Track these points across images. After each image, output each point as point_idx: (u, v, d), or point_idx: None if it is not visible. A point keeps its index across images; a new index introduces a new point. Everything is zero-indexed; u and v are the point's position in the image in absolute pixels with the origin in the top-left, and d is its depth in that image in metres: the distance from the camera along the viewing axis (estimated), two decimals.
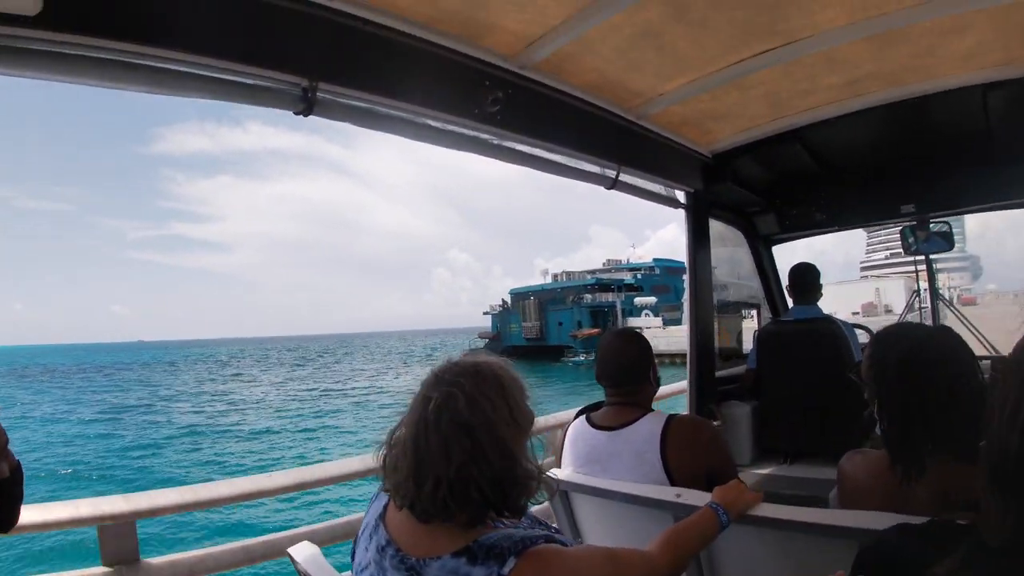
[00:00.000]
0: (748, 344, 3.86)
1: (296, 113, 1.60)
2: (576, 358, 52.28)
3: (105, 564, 2.54)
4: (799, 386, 3.12)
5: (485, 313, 70.56)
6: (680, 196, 3.06)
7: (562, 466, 2.04)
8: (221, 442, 22.67)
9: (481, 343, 68.32)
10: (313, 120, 1.69)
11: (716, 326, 3.49)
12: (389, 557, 1.14)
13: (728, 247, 3.78)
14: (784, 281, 3.61)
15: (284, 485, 3.01)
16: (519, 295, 66.79)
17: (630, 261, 78.45)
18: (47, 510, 2.44)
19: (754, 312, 4.03)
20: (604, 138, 2.42)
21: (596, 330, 54.21)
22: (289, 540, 2.86)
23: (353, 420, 26.06)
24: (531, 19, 1.80)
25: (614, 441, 1.90)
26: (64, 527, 2.50)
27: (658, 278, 70.30)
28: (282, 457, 19.10)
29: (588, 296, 61.37)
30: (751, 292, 4.05)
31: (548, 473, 1.90)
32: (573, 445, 2.02)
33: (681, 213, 3.08)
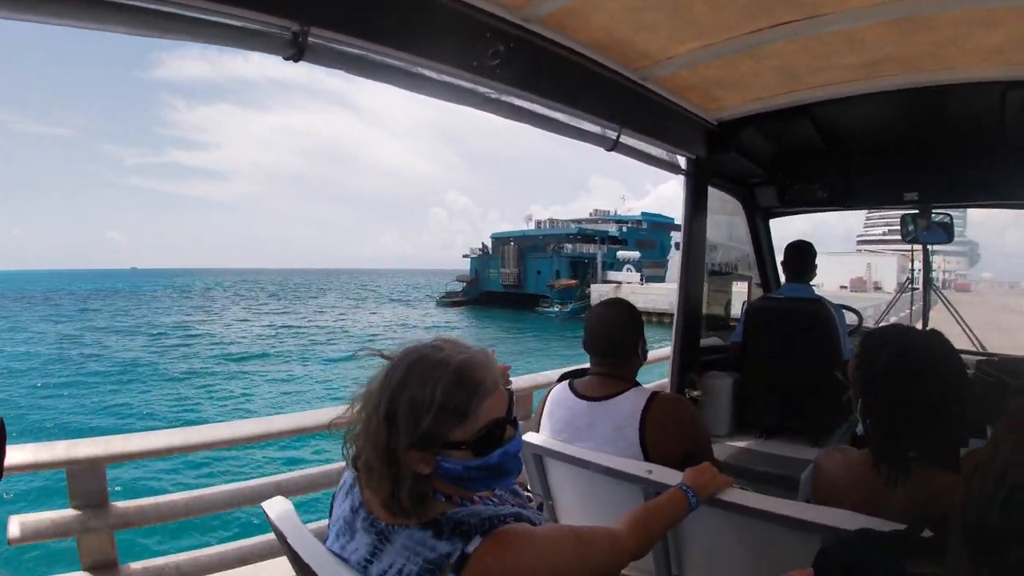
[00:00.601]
0: (736, 313, 3.94)
1: (286, 58, 1.55)
2: (550, 309, 52.13)
3: (73, 507, 2.60)
4: (782, 364, 3.18)
5: (465, 256, 69.59)
6: (681, 162, 3.04)
7: (539, 430, 2.08)
8: (146, 383, 22.52)
9: (459, 286, 68.57)
10: None
11: (705, 293, 3.54)
12: (361, 519, 1.18)
13: (725, 215, 3.80)
14: (779, 256, 3.65)
15: (283, 429, 3.15)
16: (500, 240, 66.27)
17: (618, 213, 77.40)
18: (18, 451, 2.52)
19: (745, 282, 4.08)
20: (607, 98, 2.38)
21: (574, 281, 54.25)
22: (263, 488, 2.95)
23: (298, 367, 25.53)
24: None
25: (595, 411, 1.94)
26: (33, 470, 2.56)
27: (645, 233, 69.66)
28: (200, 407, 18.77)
29: (569, 246, 60.92)
30: (743, 257, 4.09)
31: (524, 437, 1.99)
32: (552, 411, 2.05)
33: (681, 176, 3.06)
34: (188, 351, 31.42)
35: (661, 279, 58.56)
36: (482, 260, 65.92)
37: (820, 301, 3.20)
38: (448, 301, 65.54)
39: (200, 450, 3.04)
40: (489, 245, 66.85)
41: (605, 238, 64.61)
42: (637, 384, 1.99)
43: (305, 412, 3.36)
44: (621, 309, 2.05)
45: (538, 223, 75.61)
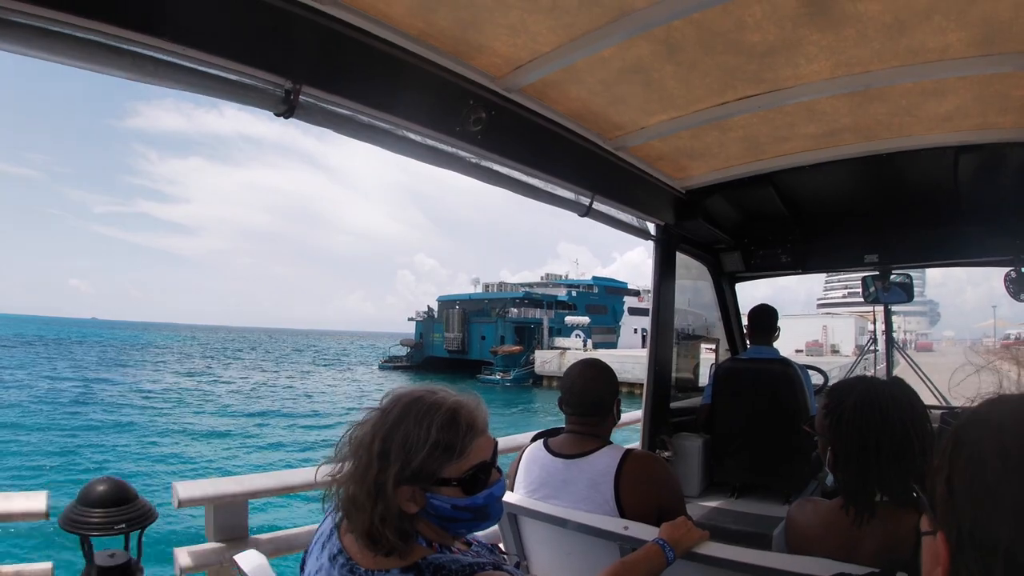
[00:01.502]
0: (704, 377, 4.06)
1: (277, 115, 1.64)
2: (491, 376, 50.36)
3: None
4: (752, 423, 3.30)
5: (410, 319, 67.67)
6: (651, 228, 3.21)
7: (514, 489, 2.12)
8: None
9: (403, 351, 66.96)
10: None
11: (675, 358, 3.66)
12: (339, 566, 1.19)
13: (691, 279, 3.97)
14: (744, 320, 3.82)
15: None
16: (446, 303, 65.40)
17: (568, 277, 77.19)
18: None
19: (713, 345, 4.24)
20: (581, 166, 2.53)
21: (518, 347, 53.40)
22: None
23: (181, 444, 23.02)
24: (522, 44, 1.89)
25: (570, 469, 2.00)
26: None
27: (596, 297, 69.56)
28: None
29: (515, 310, 60.19)
30: (711, 323, 4.25)
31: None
32: (527, 469, 2.10)
33: (650, 243, 3.23)
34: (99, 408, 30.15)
35: (613, 345, 58.77)
36: (427, 323, 64.49)
37: (786, 361, 3.36)
38: (390, 366, 64.13)
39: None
40: (436, 308, 65.58)
41: (553, 303, 64.34)
42: (611, 443, 2.06)
43: None
44: (598, 368, 2.13)
45: (486, 286, 74.70)
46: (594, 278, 73.94)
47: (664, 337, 3.37)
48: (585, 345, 52.95)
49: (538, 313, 60.33)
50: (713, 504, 3.35)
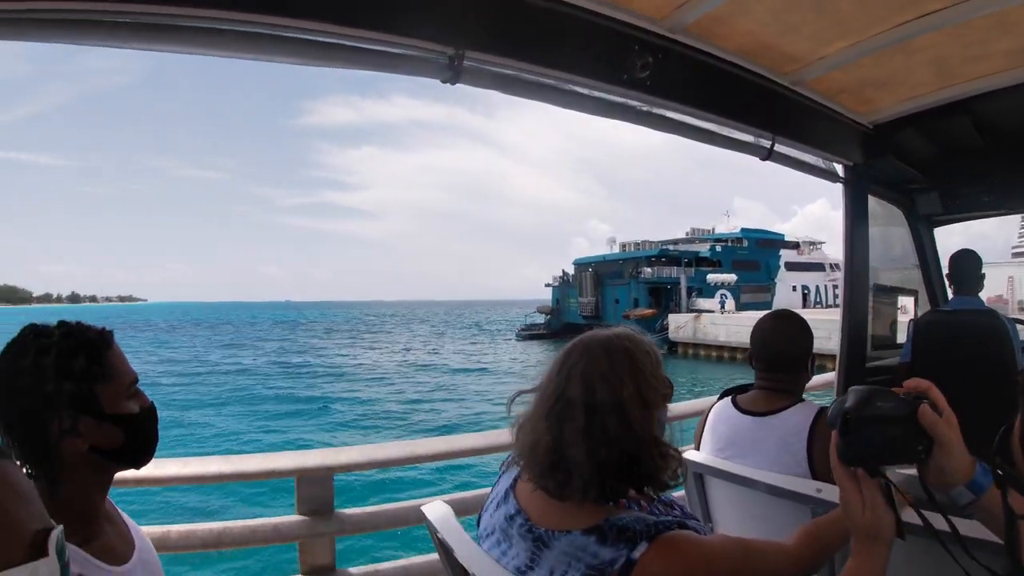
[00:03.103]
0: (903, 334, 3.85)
1: (443, 81, 1.74)
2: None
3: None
4: (955, 382, 3.06)
5: (547, 285, 67.50)
6: (838, 169, 3.09)
7: (700, 448, 2.15)
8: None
9: (540, 318, 67.25)
10: (454, 91, 1.88)
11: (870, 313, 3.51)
12: (517, 526, 1.26)
13: (880, 226, 3.75)
14: (944, 268, 3.61)
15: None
16: (581, 266, 64.26)
17: (715, 231, 72.78)
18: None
19: (911, 297, 4.01)
20: (758, 106, 2.47)
21: (650, 311, 51.38)
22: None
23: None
24: None
25: (759, 427, 2.00)
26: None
27: (744, 252, 64.65)
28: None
29: (648, 270, 57.91)
30: (906, 277, 4.02)
31: (685, 455, 2.06)
32: (714, 427, 2.13)
33: (832, 188, 3.09)
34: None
35: (767, 305, 54.17)
36: (563, 288, 64.02)
37: (993, 313, 3.17)
38: (527, 334, 64.52)
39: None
40: (572, 271, 64.62)
41: (692, 259, 61.76)
42: (803, 400, 2.04)
43: None
44: (792, 321, 2.12)
45: (623, 246, 73.00)
46: (743, 230, 68.69)
47: (859, 289, 3.24)
48: (723, 307, 49.91)
49: (674, 271, 57.86)
50: (908, 470, 3.18)
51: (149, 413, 1.28)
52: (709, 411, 2.21)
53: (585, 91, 2.02)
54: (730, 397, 2.16)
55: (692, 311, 48.70)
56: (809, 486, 1.76)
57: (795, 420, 1.94)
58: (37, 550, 0.55)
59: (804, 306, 58.16)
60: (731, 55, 2.29)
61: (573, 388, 1.21)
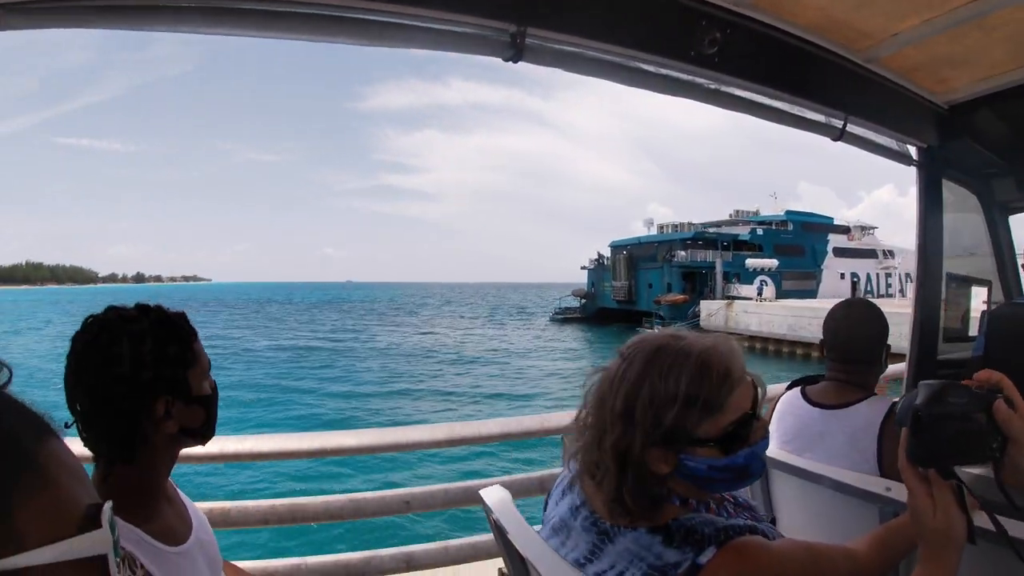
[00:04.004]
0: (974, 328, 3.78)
1: (505, 60, 1.75)
2: (650, 329, 47.20)
3: None
4: None
5: (583, 268, 66.64)
6: (912, 152, 3.05)
7: None
8: None
9: (575, 301, 66.89)
10: (512, 74, 1.88)
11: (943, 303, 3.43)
12: (582, 518, 1.26)
13: (952, 212, 3.68)
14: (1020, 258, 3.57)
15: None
16: (617, 248, 63.15)
17: (759, 213, 69.94)
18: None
19: (984, 290, 3.93)
20: (830, 84, 2.44)
21: (682, 297, 51.01)
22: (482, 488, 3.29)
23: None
24: None
25: (828, 420, 1.99)
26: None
27: (788, 235, 61.96)
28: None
29: (682, 253, 56.33)
30: (978, 267, 3.92)
31: None
32: (781, 418, 2.13)
33: (900, 173, 3.06)
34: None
35: (811, 293, 53.80)
36: (598, 272, 63.41)
37: None
38: (560, 318, 64.57)
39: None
40: (608, 254, 63.59)
41: (730, 242, 59.88)
42: (875, 394, 2.02)
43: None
44: (867, 310, 2.11)
45: (661, 227, 70.56)
46: (787, 212, 65.59)
47: (931, 279, 3.19)
48: (761, 294, 47.27)
49: (710, 255, 56.65)
50: (978, 471, 3.15)
51: (216, 392, 1.37)
52: (776, 402, 2.21)
53: (650, 68, 2.01)
54: (799, 388, 2.15)
55: (727, 298, 47.32)
56: (878, 484, 1.75)
57: (866, 415, 1.92)
58: (90, 522, 0.57)
59: (853, 295, 55.42)
60: (801, 30, 2.25)
61: (615, 388, 1.19)
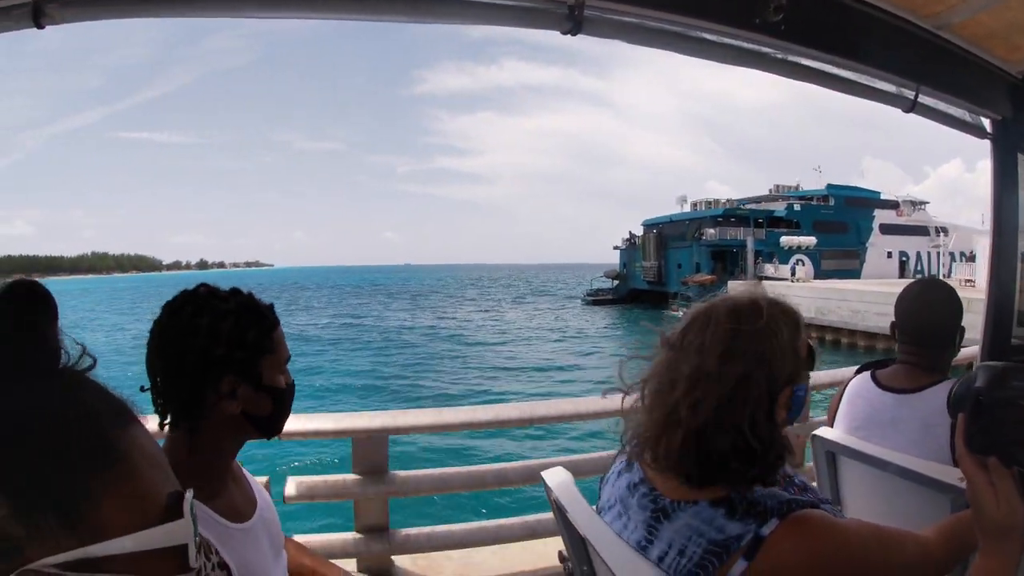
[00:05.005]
0: None
1: (563, 32, 1.75)
2: (676, 313, 45.62)
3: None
4: None
5: (615, 248, 66.53)
6: (986, 124, 2.99)
7: (834, 425, 2.16)
8: None
9: (607, 283, 66.85)
10: (567, 54, 1.90)
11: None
12: (640, 495, 1.30)
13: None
14: None
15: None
16: (648, 227, 62.85)
17: (800, 188, 68.32)
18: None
19: None
20: (901, 52, 2.40)
21: (710, 277, 49.89)
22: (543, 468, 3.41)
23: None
24: None
25: (900, 405, 1.99)
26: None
27: (829, 211, 60.61)
28: None
29: (711, 231, 55.93)
30: None
31: (816, 432, 2.13)
32: (851, 404, 2.13)
33: (967, 148, 3.02)
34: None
35: (854, 274, 52.68)
36: (629, 252, 63.11)
37: None
38: (592, 299, 64.12)
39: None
40: (640, 233, 62.99)
41: (764, 219, 58.88)
42: (950, 378, 2.00)
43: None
44: (942, 290, 2.10)
45: (694, 204, 68.70)
46: (828, 186, 63.90)
47: (1006, 260, 3.13)
48: (794, 274, 46.30)
49: (741, 233, 55.77)
50: None
51: (292, 389, 1.42)
52: (846, 386, 2.21)
53: (713, 37, 2.01)
54: (869, 372, 2.15)
55: (759, 279, 46.10)
56: (951, 474, 1.70)
57: (940, 399, 1.90)
58: (173, 511, 0.61)
59: (902, 275, 54.78)
60: None
61: (690, 361, 1.24)
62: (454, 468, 3.51)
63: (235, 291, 1.35)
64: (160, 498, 0.61)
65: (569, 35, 1.74)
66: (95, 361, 0.66)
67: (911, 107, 2.55)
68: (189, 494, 0.64)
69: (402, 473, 3.33)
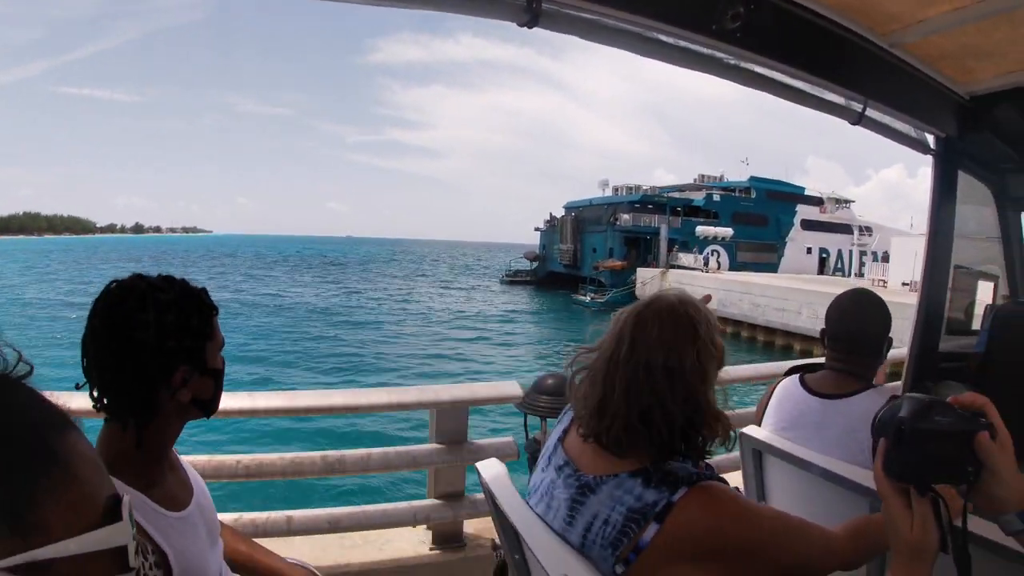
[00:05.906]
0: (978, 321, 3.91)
1: (520, 24, 1.75)
2: (583, 298, 48.98)
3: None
4: None
5: (536, 229, 67.73)
6: (929, 140, 3.13)
7: (762, 424, 2.26)
8: None
9: (526, 264, 68.64)
10: (523, 32, 1.83)
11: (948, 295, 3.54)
12: (565, 476, 1.41)
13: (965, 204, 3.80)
14: None
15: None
16: (568, 210, 64.30)
17: (723, 179, 69.04)
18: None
19: (990, 285, 4.08)
20: (852, 66, 2.49)
21: (621, 263, 52.39)
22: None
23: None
24: None
25: (826, 410, 2.09)
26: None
27: (750, 203, 62.16)
28: None
29: (626, 217, 57.27)
30: (988, 257, 4.07)
31: (744, 430, 2.22)
32: (780, 405, 2.23)
33: (911, 154, 3.13)
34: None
35: (771, 267, 54.31)
36: (549, 234, 64.03)
37: None
38: (510, 280, 65.97)
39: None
40: (560, 216, 64.01)
41: (681, 208, 60.09)
42: (875, 385, 2.13)
43: None
44: (870, 300, 2.21)
45: (615, 189, 70.50)
46: (751, 178, 65.39)
47: (939, 269, 3.31)
48: (707, 265, 48.37)
49: (656, 220, 57.09)
50: None
51: (224, 367, 1.49)
52: (775, 387, 2.31)
53: (670, 40, 2.03)
54: (798, 375, 2.24)
55: (672, 267, 48.11)
56: (871, 478, 1.80)
57: (865, 406, 2.00)
58: (112, 514, 0.66)
59: (821, 272, 57.52)
60: (827, 10, 2.29)
61: (639, 353, 1.35)
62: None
63: (170, 279, 1.38)
64: (100, 501, 0.66)
65: (526, 27, 1.76)
66: (32, 368, 0.69)
67: (858, 120, 2.65)
68: (127, 497, 0.69)
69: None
